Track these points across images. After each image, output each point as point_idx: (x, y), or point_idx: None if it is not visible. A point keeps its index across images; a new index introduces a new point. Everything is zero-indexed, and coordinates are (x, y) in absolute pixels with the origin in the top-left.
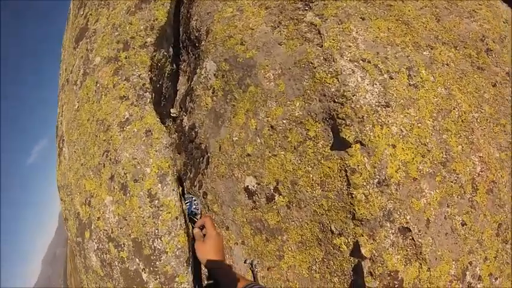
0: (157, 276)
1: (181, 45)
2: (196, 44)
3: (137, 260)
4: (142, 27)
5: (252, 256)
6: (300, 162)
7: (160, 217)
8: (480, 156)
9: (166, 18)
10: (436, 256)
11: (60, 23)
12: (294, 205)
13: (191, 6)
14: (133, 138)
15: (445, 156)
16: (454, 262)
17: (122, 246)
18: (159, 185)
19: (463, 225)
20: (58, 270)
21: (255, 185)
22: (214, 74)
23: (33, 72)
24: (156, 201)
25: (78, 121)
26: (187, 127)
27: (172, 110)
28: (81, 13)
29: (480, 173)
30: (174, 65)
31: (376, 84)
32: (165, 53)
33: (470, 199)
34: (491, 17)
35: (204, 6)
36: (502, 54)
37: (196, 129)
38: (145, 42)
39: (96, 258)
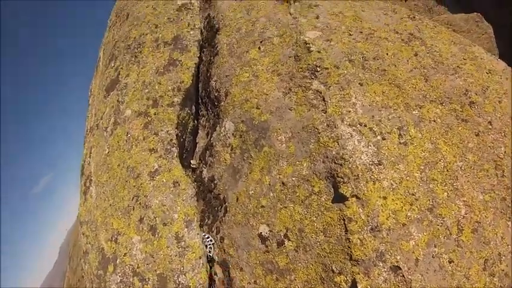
0: None
1: (200, 101)
2: (216, 103)
3: None
4: (170, 88)
5: None
6: (306, 213)
7: (186, 256)
8: (464, 201)
9: (191, 81)
10: None
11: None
12: (301, 249)
13: (210, 67)
14: (162, 187)
15: (431, 203)
16: None
17: (147, 280)
18: (186, 229)
19: (450, 262)
20: None
21: (268, 232)
22: (233, 134)
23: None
24: (183, 242)
25: (108, 165)
26: (206, 178)
27: (192, 162)
28: (112, 65)
29: (465, 215)
30: (196, 121)
31: (370, 146)
32: (189, 111)
33: (456, 239)
34: (475, 70)
35: (223, 69)
36: (484, 105)
37: (215, 181)
38: (173, 102)
39: (118, 282)
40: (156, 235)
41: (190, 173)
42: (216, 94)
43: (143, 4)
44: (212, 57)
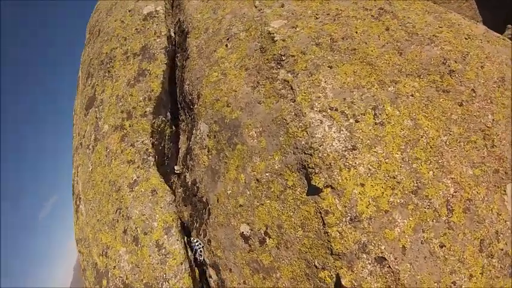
0: None
1: (179, 106)
2: (191, 107)
3: None
4: (141, 98)
5: None
6: (283, 208)
7: (167, 263)
8: (452, 178)
9: (161, 89)
10: (416, 280)
11: None
12: (282, 246)
13: (183, 71)
14: (142, 197)
15: (416, 184)
16: (435, 284)
17: None
18: (165, 236)
19: (441, 247)
20: None
21: (249, 231)
22: (208, 135)
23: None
24: (163, 250)
25: (93, 182)
26: (189, 182)
27: (176, 167)
28: (89, 83)
29: (454, 193)
30: (173, 127)
31: (342, 131)
32: (163, 118)
33: (447, 221)
34: (452, 37)
35: (194, 72)
36: (466, 72)
37: (197, 185)
38: (145, 112)
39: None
40: (139, 245)
41: (176, 179)
42: (190, 98)
43: (111, 18)
44: (184, 61)
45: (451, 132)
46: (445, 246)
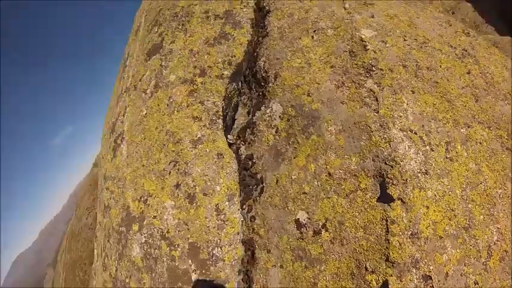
0: (208, 279)
1: (243, 79)
2: (262, 83)
3: (190, 261)
4: (220, 60)
5: (287, 281)
6: (349, 207)
7: (224, 230)
8: (498, 228)
9: (243, 57)
10: None
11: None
12: (337, 241)
13: (258, 47)
14: (205, 157)
15: (468, 222)
16: None
17: (176, 246)
18: (227, 202)
19: (475, 284)
20: (52, 244)
21: (306, 219)
22: (280, 116)
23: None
24: (223, 215)
25: (145, 126)
26: (243, 156)
27: (229, 137)
28: (155, 30)
29: (496, 241)
30: (238, 97)
31: (419, 154)
32: (236, 86)
33: (485, 263)
34: None
35: (273, 51)
36: None
37: (253, 160)
38: (222, 74)
39: (139, 250)
40: (194, 204)
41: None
42: (263, 74)
43: None
44: (261, 38)
45: (505, 188)
46: (478, 284)
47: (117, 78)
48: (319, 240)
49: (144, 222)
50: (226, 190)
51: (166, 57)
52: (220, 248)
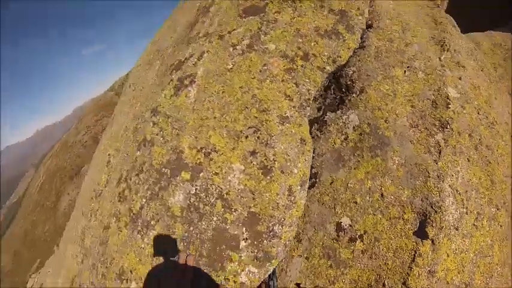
0: (256, 250)
1: None
2: (343, 90)
3: (244, 229)
4: (326, 53)
5: (307, 272)
6: (388, 228)
7: (290, 211)
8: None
9: (346, 61)
10: None
11: None
12: (367, 253)
13: (352, 53)
14: (290, 138)
15: (469, 280)
16: None
17: (233, 210)
18: (299, 187)
19: None
20: (43, 149)
21: (347, 225)
22: (354, 127)
23: None
24: (293, 197)
25: (227, 80)
26: None
27: None
28: None
29: None
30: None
31: (457, 212)
32: (325, 83)
33: None
34: None
35: (365, 66)
36: None
37: (313, 154)
38: (324, 68)
39: (183, 199)
40: (268, 177)
41: None
42: (348, 83)
43: None
44: (356, 46)
45: (504, 268)
46: None
47: (179, 12)
48: (352, 247)
49: (201, 175)
50: (301, 175)
51: (269, 25)
52: (282, 226)
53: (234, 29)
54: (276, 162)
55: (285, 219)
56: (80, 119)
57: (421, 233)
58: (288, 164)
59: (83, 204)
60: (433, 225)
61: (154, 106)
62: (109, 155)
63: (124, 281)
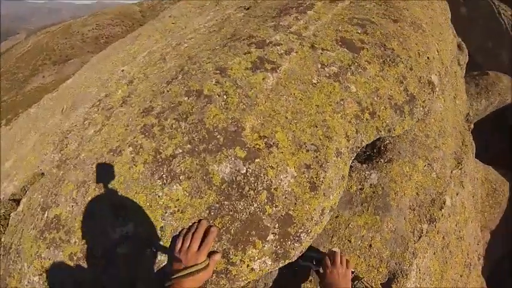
0: (279, 247)
1: None
2: (375, 150)
3: (277, 225)
4: (387, 121)
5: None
6: (364, 272)
7: (316, 227)
8: None
9: (395, 135)
10: None
11: None
12: None
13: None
14: (337, 170)
15: None
16: None
17: (274, 206)
18: (328, 211)
19: None
20: (35, 21)
21: None
22: (371, 185)
23: None
24: (322, 217)
25: (307, 91)
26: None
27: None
28: None
29: None
30: None
31: (414, 284)
32: None
33: None
34: None
35: (400, 144)
36: None
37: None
38: (380, 131)
39: (229, 173)
40: (313, 193)
41: None
42: (382, 148)
43: None
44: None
45: None
46: None
47: None
48: None
49: (256, 160)
50: (333, 203)
51: (358, 69)
52: (307, 235)
53: (327, 50)
54: (322, 184)
55: (311, 231)
56: (94, 13)
57: (387, 286)
58: (330, 190)
59: (73, 103)
60: (397, 284)
61: (221, 65)
62: (123, 71)
63: (120, 218)
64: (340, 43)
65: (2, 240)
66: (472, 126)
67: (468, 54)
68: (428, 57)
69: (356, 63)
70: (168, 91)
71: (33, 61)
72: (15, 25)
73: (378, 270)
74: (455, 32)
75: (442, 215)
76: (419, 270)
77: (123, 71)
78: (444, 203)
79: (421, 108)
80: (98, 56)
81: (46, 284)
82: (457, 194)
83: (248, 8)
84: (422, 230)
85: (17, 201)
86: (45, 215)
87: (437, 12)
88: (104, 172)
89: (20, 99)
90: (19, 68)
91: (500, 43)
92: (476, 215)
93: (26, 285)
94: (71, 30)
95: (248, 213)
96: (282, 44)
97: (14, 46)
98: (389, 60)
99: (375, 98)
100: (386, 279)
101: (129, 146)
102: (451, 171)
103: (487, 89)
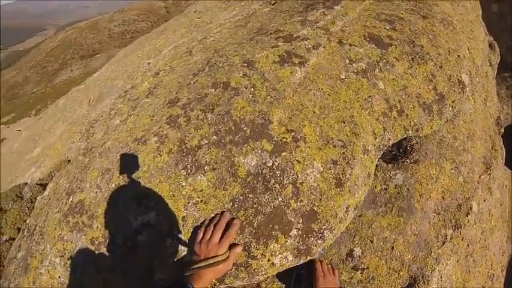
0: (302, 242)
1: None
2: (401, 150)
3: (301, 220)
4: (415, 120)
5: None
6: (385, 275)
7: (340, 224)
8: None
9: (423, 135)
10: None
11: None
12: (361, 285)
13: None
14: (364, 167)
15: None
16: None
17: (299, 201)
18: (353, 209)
19: None
20: (58, 16)
21: (357, 255)
22: (396, 185)
23: None
24: (347, 215)
25: (335, 87)
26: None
27: None
28: None
29: None
30: None
31: None
32: None
33: None
34: None
35: (427, 145)
36: None
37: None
38: (407, 130)
39: (254, 165)
40: (339, 189)
41: None
42: (408, 148)
43: None
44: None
45: None
46: None
47: None
48: (352, 274)
49: (283, 154)
50: (358, 201)
51: (386, 65)
52: (330, 233)
53: (355, 46)
54: (348, 181)
55: (334, 228)
56: (120, 9)
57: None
58: (355, 187)
59: (100, 95)
60: None
61: (249, 58)
62: (149, 63)
63: (142, 206)
64: (368, 39)
65: (27, 221)
66: (502, 130)
67: (500, 53)
68: (458, 56)
69: (384, 60)
70: (194, 83)
71: (62, 55)
72: (43, 21)
73: (398, 273)
74: (486, 30)
75: (468, 222)
76: (441, 277)
77: (149, 63)
78: (471, 209)
79: (450, 109)
80: (124, 50)
81: (67, 265)
82: (484, 201)
83: (274, 3)
84: (446, 235)
85: (44, 186)
86: (70, 199)
87: (468, 8)
88: (128, 160)
89: (49, 91)
90: (48, 61)
91: None
92: (503, 224)
93: (47, 266)
94: (98, 26)
95: (272, 207)
96: (309, 39)
97: (43, 41)
98: (418, 57)
99: (403, 96)
100: (407, 284)
101: (154, 135)
102: (479, 176)
103: None
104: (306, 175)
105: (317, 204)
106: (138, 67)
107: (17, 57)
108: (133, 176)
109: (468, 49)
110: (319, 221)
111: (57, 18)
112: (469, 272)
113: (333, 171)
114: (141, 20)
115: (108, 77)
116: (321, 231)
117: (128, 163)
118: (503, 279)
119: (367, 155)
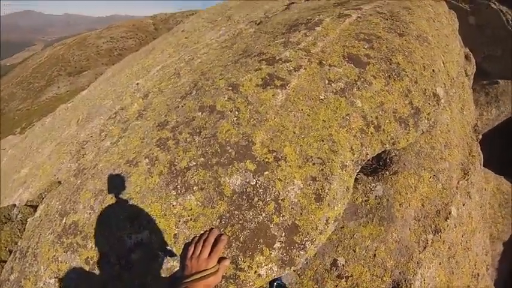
0: (285, 254)
1: None
2: (380, 163)
3: (283, 233)
4: (391, 134)
5: (295, 287)
6: (368, 281)
7: (321, 236)
8: None
9: (400, 148)
10: None
11: None
12: None
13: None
14: (342, 182)
15: None
16: None
17: (281, 215)
18: (333, 221)
19: None
20: (51, 30)
21: (341, 264)
22: (376, 196)
23: None
24: (327, 227)
25: (314, 107)
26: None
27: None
28: None
29: None
30: None
31: None
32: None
33: None
34: None
35: (405, 156)
36: None
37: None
38: (385, 144)
39: (239, 184)
40: (318, 203)
41: None
42: (387, 160)
43: None
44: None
45: None
46: None
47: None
48: (337, 282)
49: (265, 173)
50: (337, 214)
51: (364, 84)
52: (311, 244)
53: (335, 66)
54: (327, 196)
55: (315, 240)
56: (109, 26)
57: None
58: (335, 201)
59: (88, 114)
60: None
61: (233, 82)
62: (137, 84)
63: (135, 226)
64: (347, 59)
65: (19, 243)
66: (480, 136)
67: (477, 63)
68: (433, 70)
69: (362, 78)
70: (182, 106)
71: (49, 72)
72: (32, 36)
73: (381, 279)
74: (462, 42)
75: (448, 226)
76: (424, 280)
77: (137, 84)
78: (450, 214)
79: (426, 121)
80: (112, 69)
81: (62, 286)
82: (463, 205)
83: (259, 23)
84: (427, 240)
85: (34, 207)
86: (63, 220)
87: (444, 23)
88: (121, 182)
89: (35, 108)
90: (35, 78)
91: (509, 51)
92: (484, 225)
93: (42, 287)
94: (86, 42)
95: (257, 222)
96: (291, 61)
97: (31, 56)
98: (395, 74)
99: (380, 112)
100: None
101: (145, 157)
102: (458, 182)
103: (497, 98)
104: (287, 192)
105: (298, 218)
106: (127, 87)
107: (4, 72)
108: (126, 197)
109: (443, 62)
110: (300, 233)
111: (47, 33)
112: (453, 273)
113: (312, 187)
114: (129, 37)
115: (97, 96)
116: (303, 242)
117: (121, 184)
118: (491, 278)
119: (345, 170)
